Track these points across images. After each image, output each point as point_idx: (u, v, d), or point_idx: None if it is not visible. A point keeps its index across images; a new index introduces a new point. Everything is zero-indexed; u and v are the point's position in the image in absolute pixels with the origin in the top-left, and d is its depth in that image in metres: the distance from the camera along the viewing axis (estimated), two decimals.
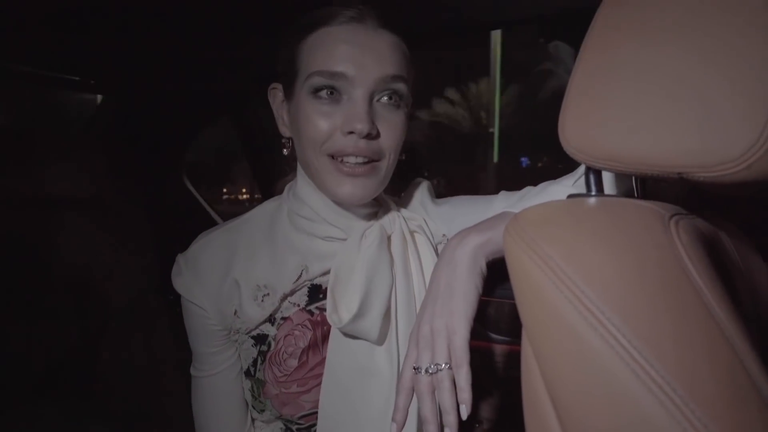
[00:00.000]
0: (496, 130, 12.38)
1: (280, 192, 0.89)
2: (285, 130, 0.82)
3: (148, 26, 1.21)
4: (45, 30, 1.18)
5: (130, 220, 1.50)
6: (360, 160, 0.73)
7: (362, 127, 0.70)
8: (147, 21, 1.18)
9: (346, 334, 0.77)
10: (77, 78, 1.51)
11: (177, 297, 0.85)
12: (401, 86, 0.74)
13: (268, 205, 0.89)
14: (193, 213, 1.76)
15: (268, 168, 1.85)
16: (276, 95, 0.82)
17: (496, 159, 12.43)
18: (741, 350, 0.35)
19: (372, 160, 0.74)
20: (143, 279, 1.46)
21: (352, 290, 0.76)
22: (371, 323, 0.75)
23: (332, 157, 0.73)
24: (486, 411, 1.27)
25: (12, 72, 1.43)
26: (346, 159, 0.73)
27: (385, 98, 0.74)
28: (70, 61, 1.41)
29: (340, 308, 0.76)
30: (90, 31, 1.21)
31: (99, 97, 1.59)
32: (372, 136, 0.72)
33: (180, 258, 0.84)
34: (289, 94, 0.77)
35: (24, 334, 1.25)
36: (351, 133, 0.71)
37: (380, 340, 0.78)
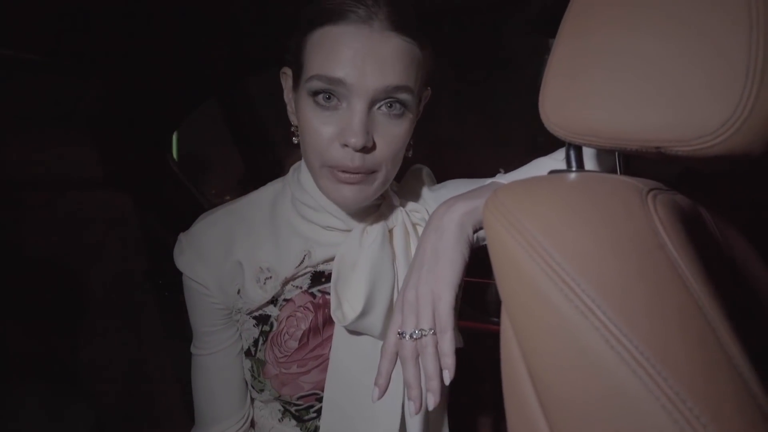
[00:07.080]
0: None
1: (287, 171, 0.88)
2: (293, 118, 0.79)
3: (132, 4, 1.18)
4: (22, 11, 1.15)
5: (116, 204, 1.48)
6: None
7: (356, 141, 0.67)
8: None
9: (350, 330, 0.78)
10: (58, 61, 1.47)
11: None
12: (404, 96, 0.70)
13: (272, 187, 0.88)
14: (180, 197, 1.75)
15: (261, 158, 1.82)
16: (287, 81, 0.79)
17: None
18: (714, 321, 0.35)
19: (367, 172, 0.72)
20: (131, 262, 1.46)
21: (356, 288, 0.76)
22: (375, 320, 0.76)
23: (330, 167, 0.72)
24: (479, 389, 1.30)
25: None
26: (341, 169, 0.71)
27: (386, 108, 0.70)
28: (51, 44, 1.38)
29: (345, 306, 0.76)
30: (70, 11, 1.18)
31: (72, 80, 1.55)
32: (368, 149, 0.70)
33: (182, 237, 0.84)
34: (295, 84, 0.75)
35: (3, 320, 1.24)
36: (347, 145, 0.69)
37: (384, 335, 0.77)
